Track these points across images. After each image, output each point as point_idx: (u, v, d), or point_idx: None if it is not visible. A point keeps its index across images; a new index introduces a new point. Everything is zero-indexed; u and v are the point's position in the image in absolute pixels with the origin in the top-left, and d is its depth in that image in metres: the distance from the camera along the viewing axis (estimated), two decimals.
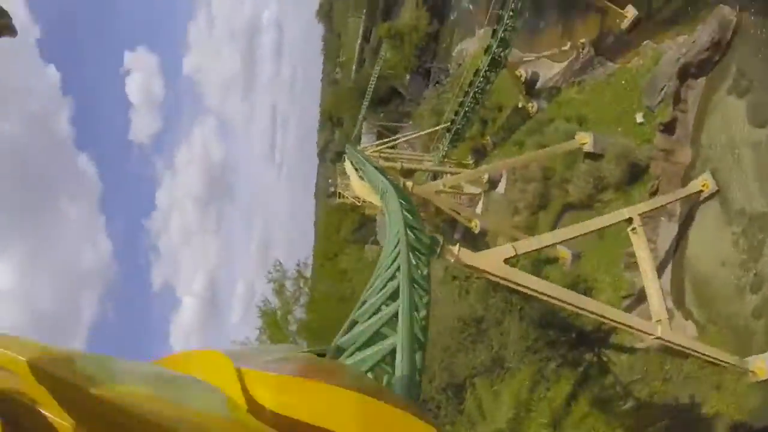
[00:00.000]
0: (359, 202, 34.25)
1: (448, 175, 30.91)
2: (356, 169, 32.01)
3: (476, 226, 29.12)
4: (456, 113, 27.38)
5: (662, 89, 19.73)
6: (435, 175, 33.84)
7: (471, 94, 25.12)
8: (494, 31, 22.08)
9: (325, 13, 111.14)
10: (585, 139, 19.87)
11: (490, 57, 22.51)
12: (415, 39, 47.14)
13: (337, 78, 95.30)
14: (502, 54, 22.53)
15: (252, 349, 1.51)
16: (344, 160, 39.50)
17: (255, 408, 0.72)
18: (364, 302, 4.69)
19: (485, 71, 23.36)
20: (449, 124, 28.97)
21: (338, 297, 44.00)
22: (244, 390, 0.74)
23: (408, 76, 54.09)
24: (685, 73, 20.03)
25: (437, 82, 41.89)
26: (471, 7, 41.22)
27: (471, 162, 32.94)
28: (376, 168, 18.88)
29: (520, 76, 26.33)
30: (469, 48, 39.06)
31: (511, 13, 20.76)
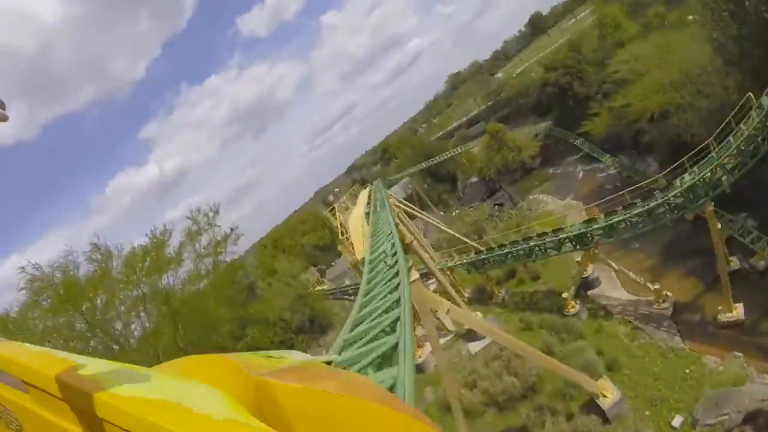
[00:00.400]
0: (341, 233, 29.20)
1: (436, 283, 26.47)
2: (369, 204, 27.53)
3: (420, 357, 24.05)
4: (500, 247, 23.19)
5: (724, 415, 15.32)
6: (426, 274, 29.29)
7: (531, 246, 21.04)
8: (612, 213, 18.17)
9: (456, 82, 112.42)
10: (608, 393, 15.24)
11: (585, 231, 18.49)
12: (510, 157, 44.33)
13: (417, 130, 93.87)
14: (596, 239, 18.53)
15: (258, 356, 1.00)
16: (366, 188, 35.22)
17: (270, 415, 0.72)
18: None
19: (567, 237, 19.26)
20: (484, 249, 24.78)
21: (237, 291, 37.78)
22: (261, 397, 0.73)
23: (475, 178, 51.04)
24: (752, 418, 15.83)
25: (498, 204, 38.20)
26: (582, 173, 38.41)
27: (466, 296, 28.34)
28: (394, 222, 14.33)
29: (586, 270, 22.15)
30: (549, 204, 35.66)
31: (644, 213, 16.92)
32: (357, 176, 79.40)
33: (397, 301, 7.57)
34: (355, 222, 24.56)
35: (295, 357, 0.91)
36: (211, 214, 22.41)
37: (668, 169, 18.91)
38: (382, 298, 8.17)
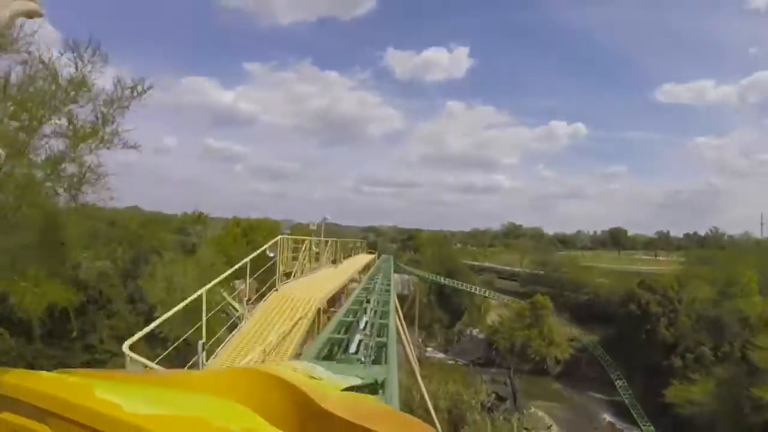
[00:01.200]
0: (280, 275, 19.06)
1: None
2: (361, 274, 18.41)
3: None
4: None
5: None
6: None
7: None
8: None
9: (511, 232, 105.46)
10: None
11: None
12: (536, 343, 35.06)
13: (452, 244, 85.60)
14: None
15: (299, 373, 0.80)
16: (373, 254, 26.28)
17: None
18: None
19: None
20: None
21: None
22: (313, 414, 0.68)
23: (480, 333, 41.29)
24: None
25: (496, 396, 28.14)
26: (605, 421, 28.74)
27: None
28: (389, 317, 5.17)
29: None
30: None
31: None
32: (369, 236, 70.26)
33: None
34: (310, 291, 14.34)
35: (337, 379, 0.75)
36: (133, 87, 12.00)
37: None
38: None
